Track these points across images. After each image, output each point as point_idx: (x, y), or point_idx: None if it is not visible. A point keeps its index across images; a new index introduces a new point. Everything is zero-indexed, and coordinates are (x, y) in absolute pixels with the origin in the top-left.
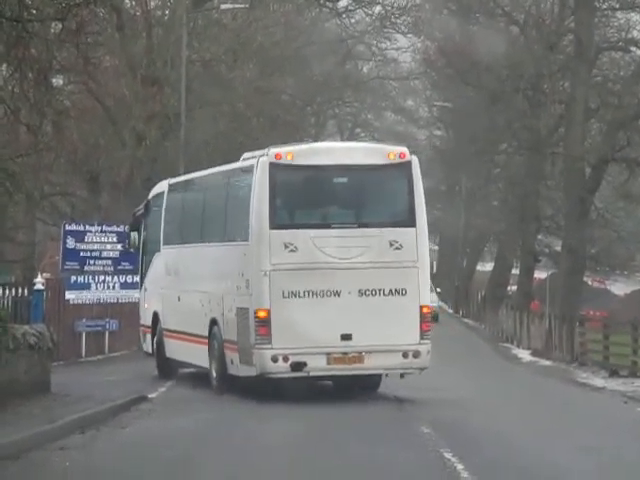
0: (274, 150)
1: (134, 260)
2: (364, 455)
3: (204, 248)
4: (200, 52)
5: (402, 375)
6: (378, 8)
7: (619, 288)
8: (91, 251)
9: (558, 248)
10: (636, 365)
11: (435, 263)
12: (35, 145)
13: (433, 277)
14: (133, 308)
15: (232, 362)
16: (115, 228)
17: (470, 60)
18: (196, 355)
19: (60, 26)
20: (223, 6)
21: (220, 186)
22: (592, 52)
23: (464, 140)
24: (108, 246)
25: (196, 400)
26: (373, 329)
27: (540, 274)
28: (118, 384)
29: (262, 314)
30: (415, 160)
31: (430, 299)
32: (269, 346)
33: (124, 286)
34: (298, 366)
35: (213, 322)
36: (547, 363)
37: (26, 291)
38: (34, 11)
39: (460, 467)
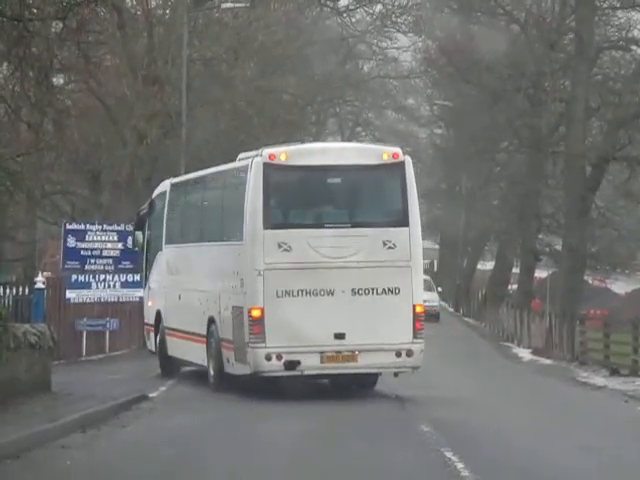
0: (268, 150)
1: (135, 259)
2: (364, 454)
3: (202, 247)
4: (201, 51)
5: (396, 374)
6: (379, 7)
7: (620, 287)
8: (92, 250)
9: (559, 247)
10: (637, 364)
11: (436, 262)
12: (36, 144)
13: (434, 276)
14: (134, 307)
15: (228, 360)
16: (116, 227)
17: (471, 59)
18: (195, 353)
19: (61, 25)
20: (224, 5)
21: (217, 186)
22: (593, 51)
23: (465, 139)
24: (109, 245)
25: (197, 399)
26: (366, 328)
27: (541, 273)
28: (119, 383)
29: (256, 313)
30: (408, 160)
31: (431, 298)
32: (263, 345)
33: (125, 285)
34: (292, 364)
35: (211, 320)
36: (548, 362)
37: (27, 290)
38: (35, 10)
39: (460, 466)
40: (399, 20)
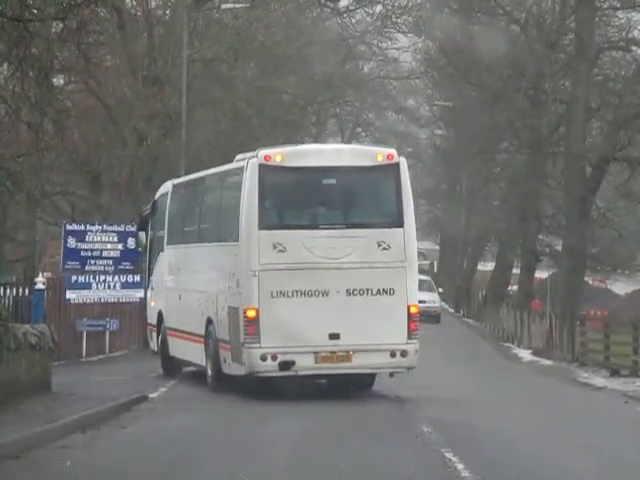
0: (263, 152)
1: (134, 260)
2: (364, 454)
3: (201, 248)
4: (201, 51)
5: (391, 374)
6: (379, 7)
7: (620, 287)
8: (92, 251)
9: (559, 247)
10: (637, 365)
11: (436, 262)
12: (36, 144)
13: (434, 276)
14: (134, 308)
15: (225, 361)
16: (116, 228)
17: (471, 59)
18: (195, 354)
19: (61, 26)
20: (224, 5)
21: (214, 187)
22: (593, 51)
23: (465, 139)
24: (109, 246)
25: (196, 399)
26: (361, 328)
27: (541, 273)
28: (119, 383)
29: (251, 313)
30: (403, 161)
31: (432, 299)
32: (258, 345)
33: (125, 286)
34: (286, 365)
35: (209, 321)
36: (548, 362)
37: (27, 290)
38: (35, 11)
39: (461, 467)
40: (399, 20)
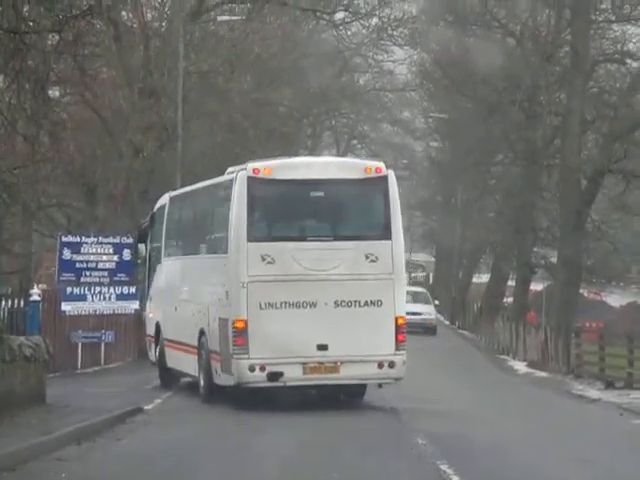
0: (252, 165)
1: (130, 271)
2: (358, 465)
3: (194, 260)
4: (197, 63)
5: (380, 385)
6: (375, 20)
7: (615, 300)
8: (87, 262)
9: (554, 260)
10: (632, 377)
11: (431, 274)
12: (32, 156)
13: (430, 288)
14: (129, 319)
15: (216, 371)
16: (111, 239)
17: (466, 72)
18: (189, 364)
19: (57, 38)
20: (220, 18)
21: (206, 200)
22: (588, 64)
23: (460, 151)
24: (104, 257)
25: (192, 411)
26: (349, 340)
27: (536, 286)
28: (114, 395)
29: (239, 325)
30: (391, 174)
31: (428, 311)
32: (246, 356)
33: (120, 297)
34: (274, 376)
35: (201, 332)
36: (543, 375)
37: (22, 302)
38: (31, 23)
39: (456, 479)
40: (395, 33)
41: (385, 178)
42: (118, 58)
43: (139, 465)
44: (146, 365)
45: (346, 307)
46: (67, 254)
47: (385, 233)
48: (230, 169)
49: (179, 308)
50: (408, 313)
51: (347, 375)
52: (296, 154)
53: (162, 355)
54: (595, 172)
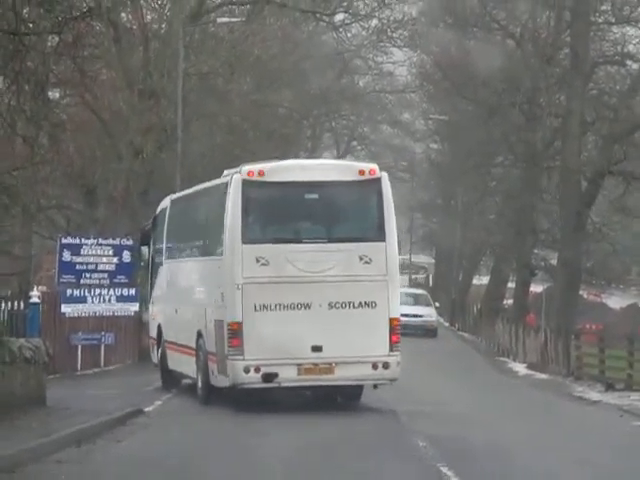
0: (246, 167)
1: (130, 273)
2: (359, 468)
3: (192, 262)
4: (197, 65)
5: (375, 386)
6: (374, 22)
7: (615, 302)
8: (87, 264)
9: (554, 261)
10: (632, 379)
11: (431, 276)
12: (31, 158)
13: (430, 291)
14: (129, 321)
15: (213, 373)
16: (111, 241)
17: (466, 73)
18: (188, 366)
19: (57, 39)
20: (220, 19)
21: (203, 202)
22: (588, 66)
23: (460, 153)
24: (104, 259)
25: (191, 413)
26: (343, 341)
27: (536, 287)
28: (114, 397)
29: (234, 326)
30: (385, 176)
31: (429, 313)
32: (241, 357)
33: (120, 299)
34: (269, 377)
35: (199, 334)
36: (543, 377)
37: (22, 304)
38: (31, 24)
39: None
40: (394, 35)
41: (379, 180)
42: (118, 60)
43: (139, 467)
44: (146, 367)
45: (340, 308)
46: (67, 256)
47: (379, 235)
48: (227, 172)
49: (179, 310)
50: (409, 315)
51: (341, 376)
52: (296, 156)
53: (164, 357)
54: (595, 174)
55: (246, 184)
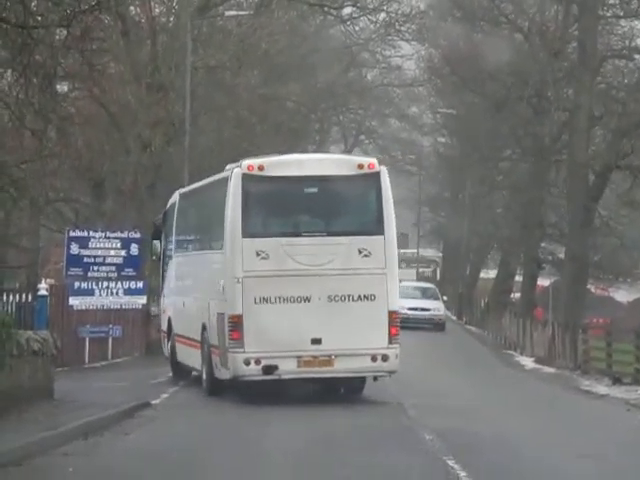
0: (246, 162)
1: (137, 266)
2: (366, 461)
3: (197, 256)
4: (205, 59)
5: (375, 378)
6: (382, 15)
7: (622, 296)
8: (95, 257)
9: (562, 255)
10: (639, 373)
11: (439, 270)
12: (40, 151)
13: (438, 284)
14: (136, 314)
15: (216, 365)
16: (119, 234)
17: (474, 67)
18: (194, 359)
19: (65, 33)
20: (227, 13)
21: (206, 197)
22: (596, 60)
23: (468, 147)
24: (112, 252)
25: (199, 406)
26: (342, 333)
27: (543, 281)
28: (121, 390)
29: (235, 319)
30: (384, 170)
31: (437, 307)
32: (241, 350)
33: (127, 292)
34: (269, 369)
35: (203, 327)
36: (550, 370)
37: (30, 297)
38: (39, 17)
39: (463, 474)
40: (402, 28)
41: (378, 174)
42: (126, 53)
43: (146, 460)
44: (153, 360)
45: (340, 301)
46: (75, 249)
47: (378, 228)
48: (228, 166)
49: (186, 303)
50: (417, 309)
51: (341, 368)
52: (304, 149)
53: (173, 350)
54: (603, 168)
55: (246, 178)
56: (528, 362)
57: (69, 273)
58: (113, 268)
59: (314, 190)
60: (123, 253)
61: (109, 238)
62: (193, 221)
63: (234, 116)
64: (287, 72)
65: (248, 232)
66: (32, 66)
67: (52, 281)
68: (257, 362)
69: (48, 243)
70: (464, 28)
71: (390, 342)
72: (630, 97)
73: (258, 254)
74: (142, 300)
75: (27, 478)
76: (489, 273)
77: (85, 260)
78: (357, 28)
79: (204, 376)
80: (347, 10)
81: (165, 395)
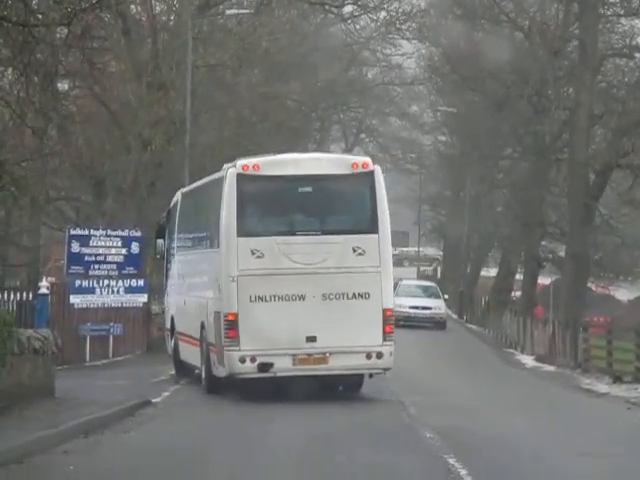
0: (241, 162)
1: (138, 264)
2: (367, 459)
3: (196, 254)
4: (205, 57)
5: (371, 375)
6: (383, 14)
7: (623, 294)
8: (96, 255)
9: (562, 254)
10: (639, 371)
11: (439, 269)
12: (40, 150)
13: (438, 282)
14: (137, 312)
15: (214, 363)
16: (120, 233)
17: (475, 66)
18: (195, 357)
19: (66, 31)
20: (228, 11)
21: (203, 196)
22: (596, 58)
23: (469, 146)
24: (113, 250)
25: (199, 404)
26: (337, 331)
27: (544, 280)
28: (122, 388)
29: (230, 317)
30: (378, 169)
31: (438, 305)
32: (237, 348)
33: (128, 290)
34: (265, 367)
35: (202, 325)
36: (551, 369)
37: (31, 295)
38: (40, 16)
39: (464, 472)
40: (403, 27)
41: (371, 173)
42: (127, 51)
43: (147, 458)
44: (154, 358)
45: (334, 300)
46: (76, 247)
47: (372, 227)
48: (226, 165)
49: (187, 302)
50: (419, 307)
51: (336, 366)
52: (304, 148)
53: (176, 348)
54: (603, 166)
55: (241, 178)
56: (528, 360)
57: (70, 271)
58: (114, 266)
59: (308, 189)
60: (124, 251)
61: (110, 236)
62: (193, 220)
63: (235, 115)
64: (287, 71)
65: (243, 231)
66: (33, 64)
67: (53, 279)
68: (252, 360)
69: (49, 241)
70: (464, 26)
71: (384, 340)
72: (630, 96)
73: (253, 253)
74: (143, 298)
75: (28, 476)
76: (490, 271)
77: (86, 258)
78: (358, 27)
79: (203, 374)
80: (348, 8)
81: (166, 393)
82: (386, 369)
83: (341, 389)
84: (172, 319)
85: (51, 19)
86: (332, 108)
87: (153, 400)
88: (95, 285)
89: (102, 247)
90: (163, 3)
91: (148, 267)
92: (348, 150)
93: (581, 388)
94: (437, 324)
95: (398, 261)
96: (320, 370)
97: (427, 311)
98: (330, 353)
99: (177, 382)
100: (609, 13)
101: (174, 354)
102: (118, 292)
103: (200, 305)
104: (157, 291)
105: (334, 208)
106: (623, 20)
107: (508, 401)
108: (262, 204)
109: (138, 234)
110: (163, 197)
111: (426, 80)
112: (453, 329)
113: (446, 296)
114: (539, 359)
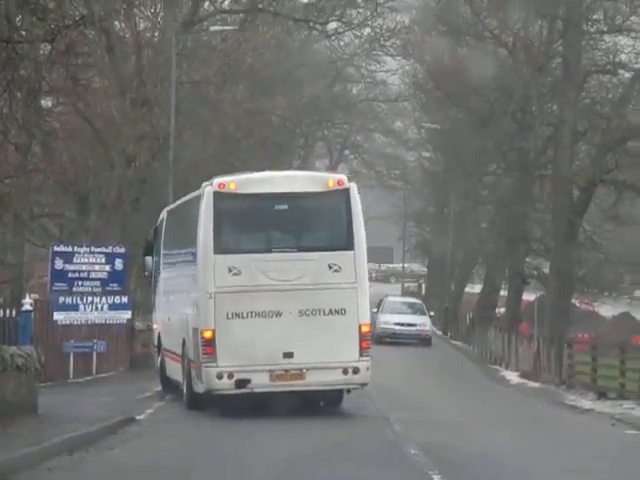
0: (218, 180)
1: (122, 281)
2: (351, 476)
3: (177, 272)
4: (190, 73)
5: (348, 390)
6: (367, 30)
7: (607, 310)
8: (79, 272)
9: (546, 270)
10: (624, 387)
11: (424, 285)
12: (24, 166)
13: (423, 299)
14: (121, 329)
15: (194, 379)
16: (103, 249)
17: (459, 82)
18: (178, 373)
19: (49, 47)
20: (212, 28)
21: (184, 214)
22: (580, 75)
23: (453, 162)
24: (96, 267)
25: (183, 421)
26: (314, 347)
27: (528, 296)
28: (106, 405)
29: (207, 334)
30: (353, 187)
31: (423, 322)
32: (214, 364)
33: (112, 307)
34: (242, 383)
35: (183, 342)
36: (535, 385)
37: (14, 312)
38: (23, 32)
39: None
40: (387, 43)
41: (347, 190)
42: (111, 68)
43: (131, 475)
44: (138, 375)
45: (311, 316)
46: (59, 264)
47: (348, 243)
48: (204, 184)
49: (171, 318)
50: (404, 324)
51: (313, 381)
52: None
53: (162, 365)
54: (587, 182)
55: (217, 196)
56: (513, 377)
57: (53, 288)
58: (97, 283)
59: (284, 207)
60: (107, 268)
61: (93, 253)
62: (175, 238)
63: (219, 131)
64: (272, 87)
65: (220, 248)
66: (16, 81)
67: (36, 296)
68: (230, 376)
69: (32, 258)
70: (449, 43)
71: (361, 355)
72: (614, 112)
73: (230, 270)
74: (127, 315)
75: None
76: (474, 288)
77: (69, 275)
78: (342, 43)
79: (185, 390)
80: (332, 25)
81: (150, 410)
82: (363, 384)
83: (322, 405)
84: (159, 336)
85: (35, 36)
86: (317, 124)
87: (137, 417)
88: (79, 302)
89: (86, 264)
90: (147, 20)
91: (132, 284)
92: (332, 167)
93: (566, 404)
94: (422, 341)
95: (385, 277)
96: (297, 386)
97: (412, 328)
98: (307, 369)
99: (162, 398)
100: (593, 30)
101: (160, 370)
102: (102, 309)
103: (182, 321)
104: (141, 308)
105: (310, 225)
106: (606, 37)
107: (493, 417)
108: (239, 222)
109: (122, 250)
110: (147, 213)
111: (410, 96)
112: (438, 345)
113: (432, 313)
114: (524, 375)
